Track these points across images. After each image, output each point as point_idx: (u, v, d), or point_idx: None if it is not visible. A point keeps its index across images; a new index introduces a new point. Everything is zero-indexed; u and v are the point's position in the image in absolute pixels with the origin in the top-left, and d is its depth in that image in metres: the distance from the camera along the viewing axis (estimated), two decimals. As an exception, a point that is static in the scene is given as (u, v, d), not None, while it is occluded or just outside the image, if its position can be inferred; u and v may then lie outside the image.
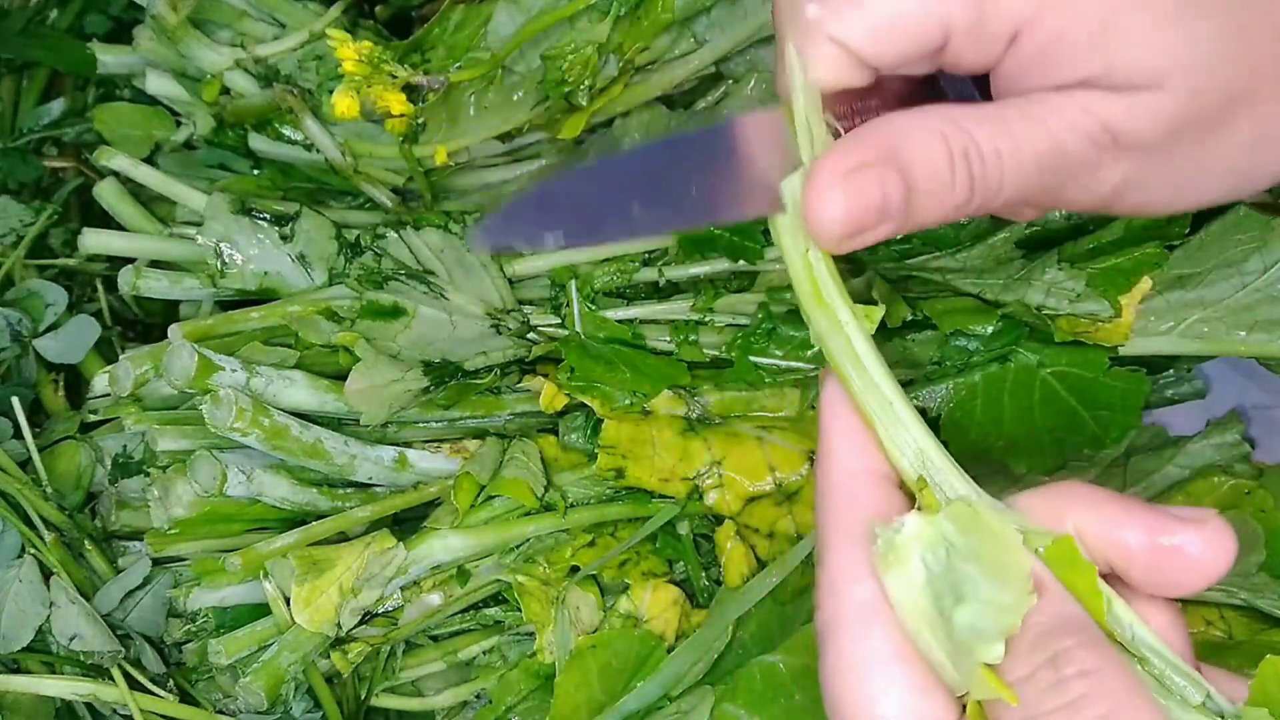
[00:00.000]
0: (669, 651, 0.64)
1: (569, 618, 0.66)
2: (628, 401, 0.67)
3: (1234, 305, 0.65)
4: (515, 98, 0.72)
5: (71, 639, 0.63)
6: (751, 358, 0.68)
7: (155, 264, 0.70)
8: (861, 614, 0.32)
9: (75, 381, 0.77)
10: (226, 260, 0.66)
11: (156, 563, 0.67)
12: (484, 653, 0.70)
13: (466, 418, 0.69)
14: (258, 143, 0.75)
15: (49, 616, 0.64)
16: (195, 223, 0.69)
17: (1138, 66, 0.33)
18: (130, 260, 0.70)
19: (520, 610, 0.66)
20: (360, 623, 0.64)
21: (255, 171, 0.76)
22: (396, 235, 0.69)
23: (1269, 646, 0.64)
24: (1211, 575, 0.31)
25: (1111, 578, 0.32)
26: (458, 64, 0.72)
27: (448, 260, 0.70)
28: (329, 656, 0.65)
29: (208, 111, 0.75)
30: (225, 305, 0.70)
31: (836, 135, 0.35)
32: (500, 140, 0.74)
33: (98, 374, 0.72)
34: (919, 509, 0.33)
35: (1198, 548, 0.31)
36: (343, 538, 0.65)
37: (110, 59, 0.78)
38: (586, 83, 0.69)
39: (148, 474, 0.68)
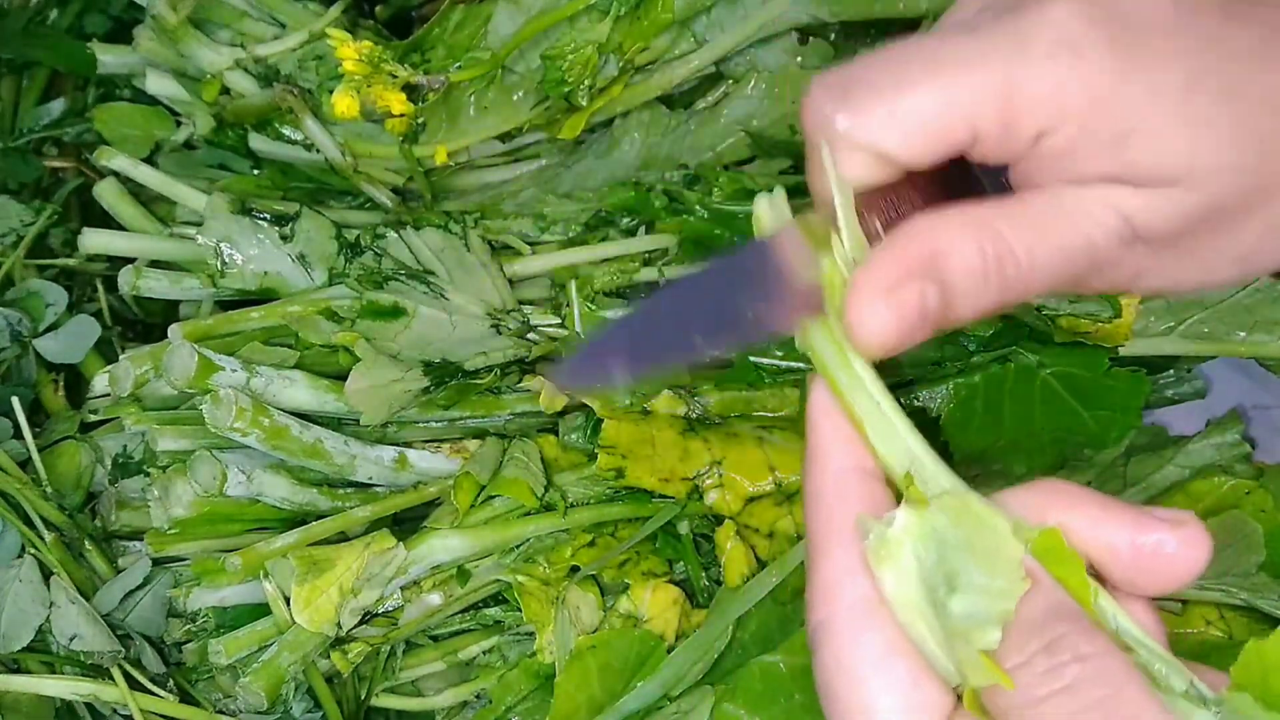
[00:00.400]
0: (669, 651, 0.64)
1: (569, 618, 0.66)
2: (628, 401, 0.67)
3: (1234, 305, 0.65)
4: (515, 98, 0.72)
5: (71, 639, 0.63)
6: (751, 358, 0.68)
7: (155, 264, 0.70)
8: (856, 611, 0.32)
9: (75, 381, 0.77)
10: (226, 260, 0.66)
11: (156, 563, 0.67)
12: (484, 653, 0.70)
13: (466, 418, 0.69)
14: (258, 143, 0.75)
15: (49, 616, 0.64)
16: (195, 223, 0.69)
17: (1157, 165, 0.34)
18: (130, 260, 0.70)
19: (520, 610, 0.65)
20: (360, 623, 0.64)
21: (255, 171, 0.76)
22: (396, 235, 0.69)
23: (1269, 646, 0.64)
24: (1187, 575, 0.32)
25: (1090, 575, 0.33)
26: (458, 64, 0.72)
27: (448, 260, 0.70)
28: (329, 656, 0.65)
29: (208, 111, 0.75)
30: (225, 305, 0.70)
31: (871, 234, 0.35)
32: (500, 140, 0.74)
33: (98, 374, 0.72)
34: (908, 504, 0.33)
35: (1174, 547, 0.32)
36: (343, 538, 0.65)
37: (110, 59, 0.78)
38: (586, 83, 0.69)
39: (148, 474, 0.68)
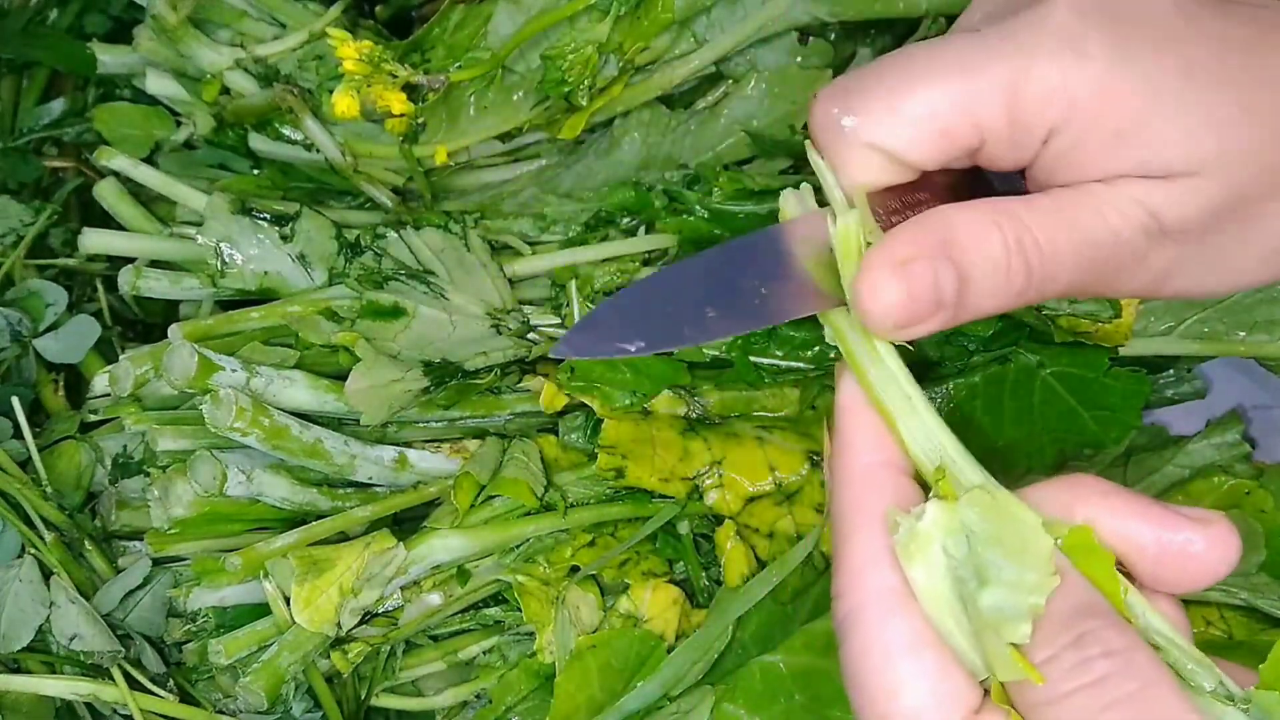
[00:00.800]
0: (669, 651, 0.64)
1: (569, 618, 0.66)
2: (628, 401, 0.67)
3: (1234, 305, 0.65)
4: (515, 97, 0.72)
5: (71, 639, 0.63)
6: (751, 358, 0.68)
7: (155, 264, 0.70)
8: (885, 601, 0.33)
9: (75, 381, 0.77)
10: (226, 260, 0.66)
11: (156, 563, 0.67)
12: (484, 653, 0.70)
13: (466, 418, 0.69)
14: (258, 143, 0.75)
15: (49, 616, 0.64)
16: (195, 223, 0.69)
17: (1174, 155, 0.34)
18: (130, 260, 0.70)
19: (520, 610, 0.65)
20: (360, 623, 0.64)
21: (255, 171, 0.76)
22: (396, 235, 0.69)
23: (1269, 646, 0.64)
24: (1214, 575, 0.32)
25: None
26: (458, 64, 0.72)
27: (448, 260, 0.70)
28: (329, 656, 0.65)
29: (208, 111, 0.75)
30: (225, 305, 0.70)
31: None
32: (500, 140, 0.74)
33: (98, 374, 0.72)
34: (937, 498, 0.33)
35: (1202, 547, 0.32)
36: (343, 538, 0.65)
37: (110, 59, 0.78)
38: (586, 83, 0.69)
39: (148, 474, 0.68)
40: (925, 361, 0.68)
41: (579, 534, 0.68)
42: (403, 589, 0.65)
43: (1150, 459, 0.71)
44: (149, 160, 0.75)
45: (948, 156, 0.35)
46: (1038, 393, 0.66)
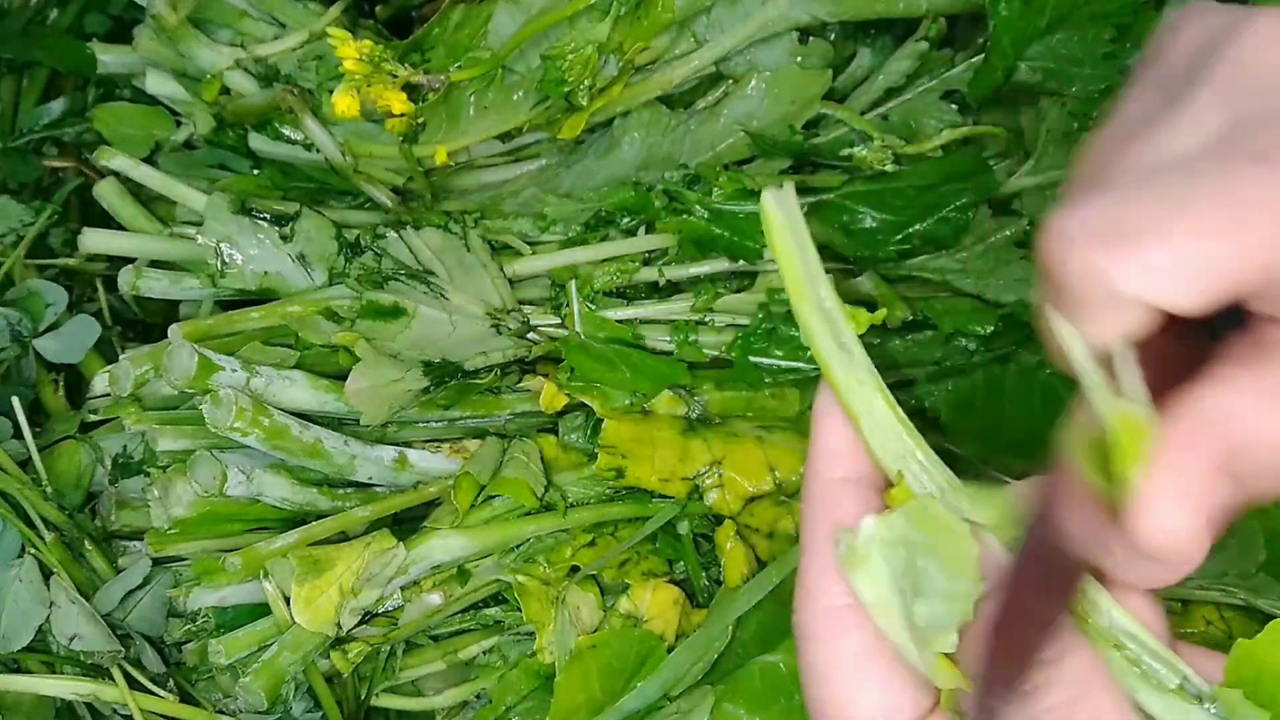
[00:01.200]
0: (669, 651, 0.64)
1: (569, 618, 0.66)
2: (628, 401, 0.67)
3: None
4: (515, 97, 0.72)
5: (71, 639, 0.63)
6: (751, 358, 0.68)
7: (155, 264, 0.70)
8: (834, 617, 0.33)
9: (75, 381, 0.77)
10: (226, 260, 0.66)
11: (156, 563, 0.67)
12: (484, 653, 0.70)
13: (466, 418, 0.69)
14: (258, 143, 0.75)
15: (49, 616, 0.64)
16: (195, 223, 0.69)
17: None
18: (130, 260, 0.70)
19: (520, 610, 0.66)
20: (360, 623, 0.64)
21: (255, 171, 0.76)
22: (396, 235, 0.69)
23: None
24: (1179, 571, 0.30)
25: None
26: (458, 64, 0.72)
27: (448, 260, 0.70)
28: (329, 656, 0.65)
29: (208, 111, 0.75)
30: (225, 305, 0.70)
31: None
32: (500, 140, 0.74)
33: (98, 374, 0.72)
34: (875, 512, 0.33)
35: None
36: (343, 538, 0.65)
37: (110, 59, 0.78)
38: (586, 82, 0.69)
39: (148, 474, 0.68)
40: (925, 362, 0.68)
41: (579, 534, 0.68)
42: (403, 589, 0.65)
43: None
44: (149, 160, 0.75)
45: (1217, 305, 0.27)
46: (1038, 393, 0.66)
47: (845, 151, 0.70)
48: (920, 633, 0.31)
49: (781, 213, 0.35)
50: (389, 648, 0.68)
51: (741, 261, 0.69)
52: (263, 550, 0.62)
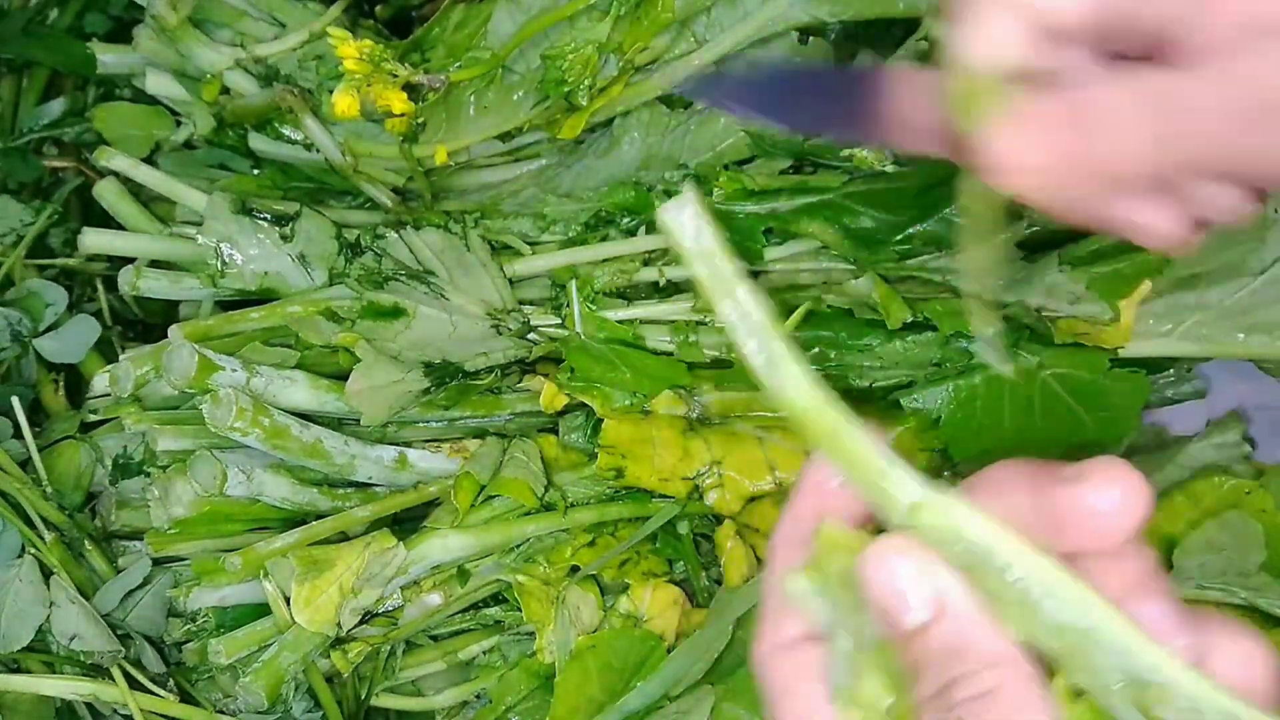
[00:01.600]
0: (669, 651, 0.64)
1: (569, 618, 0.66)
2: (628, 401, 0.67)
3: (1233, 307, 0.65)
4: (515, 97, 0.72)
5: (71, 639, 0.63)
6: (751, 358, 0.68)
7: (155, 264, 0.70)
8: (785, 652, 0.34)
9: (75, 381, 0.77)
10: (226, 260, 0.66)
11: (156, 562, 0.67)
12: (484, 653, 0.70)
13: (466, 418, 0.69)
14: (258, 142, 0.75)
15: (49, 616, 0.64)
16: (195, 223, 0.69)
17: None
18: (130, 260, 0.70)
19: (520, 610, 0.66)
20: (360, 622, 0.64)
21: (255, 171, 0.76)
22: (396, 235, 0.69)
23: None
24: (1119, 527, 0.30)
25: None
26: (458, 63, 0.72)
27: (448, 260, 0.70)
28: (329, 656, 0.65)
29: (208, 111, 0.75)
30: (225, 305, 0.70)
31: None
32: (500, 140, 0.74)
33: (98, 374, 0.72)
34: (808, 563, 0.34)
35: (1091, 500, 0.31)
36: (343, 537, 0.65)
37: (110, 59, 0.78)
38: (586, 82, 0.69)
39: (148, 474, 0.68)
40: (925, 362, 0.68)
41: (579, 534, 0.68)
42: (403, 589, 0.65)
43: (1150, 459, 0.71)
44: (149, 160, 0.75)
45: (1100, 18, 0.34)
46: (1038, 394, 0.66)
47: (845, 151, 0.70)
48: (842, 677, 0.32)
49: (681, 225, 0.34)
50: (389, 648, 0.68)
51: (741, 261, 0.69)
52: (263, 550, 0.62)
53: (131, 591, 0.66)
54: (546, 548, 0.68)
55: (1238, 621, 0.31)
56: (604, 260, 0.71)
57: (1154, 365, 0.71)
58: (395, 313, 0.66)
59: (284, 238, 0.67)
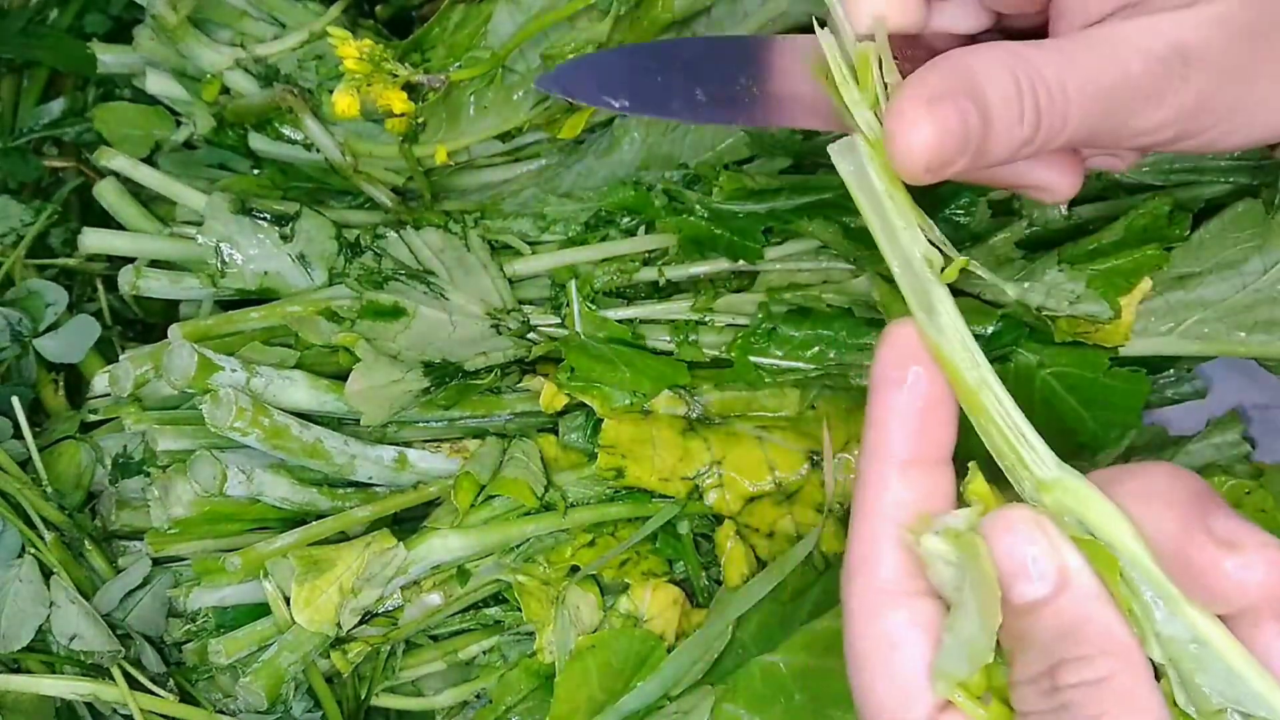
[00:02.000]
0: (669, 651, 0.64)
1: (569, 617, 0.66)
2: (628, 401, 0.67)
3: (1234, 306, 0.65)
4: (515, 97, 0.72)
5: (71, 639, 0.63)
6: (751, 358, 0.68)
7: (155, 264, 0.70)
8: (875, 593, 0.33)
9: (75, 381, 0.77)
10: (226, 260, 0.66)
11: (156, 562, 0.67)
12: (484, 653, 0.70)
13: (466, 417, 0.69)
14: (258, 142, 0.75)
15: (49, 616, 0.64)
16: (195, 223, 0.69)
17: None
18: (130, 260, 0.70)
19: (520, 610, 0.66)
20: (360, 622, 0.64)
21: (255, 171, 0.76)
22: (396, 235, 0.69)
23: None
24: (1250, 595, 0.29)
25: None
26: (458, 63, 0.72)
27: (448, 260, 0.70)
28: (329, 656, 0.65)
29: (208, 111, 0.75)
30: (225, 305, 0.70)
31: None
32: (500, 140, 0.74)
33: (98, 374, 0.72)
34: (963, 505, 0.33)
35: (1236, 573, 0.29)
36: (343, 537, 0.65)
37: (110, 59, 0.78)
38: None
39: (148, 474, 0.68)
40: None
41: (579, 534, 0.68)
42: (403, 589, 0.65)
43: (1150, 459, 0.71)
44: (149, 160, 0.75)
45: None
46: (1038, 393, 0.66)
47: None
48: (950, 648, 0.31)
49: (849, 165, 0.35)
50: (389, 648, 0.68)
51: (741, 261, 0.69)
52: (263, 550, 0.62)
53: (131, 591, 0.66)
54: (546, 548, 0.68)
55: None
56: (604, 260, 0.71)
57: (1154, 365, 0.71)
58: (395, 312, 0.66)
59: (284, 238, 0.67)
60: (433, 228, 0.70)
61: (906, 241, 0.34)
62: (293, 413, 0.64)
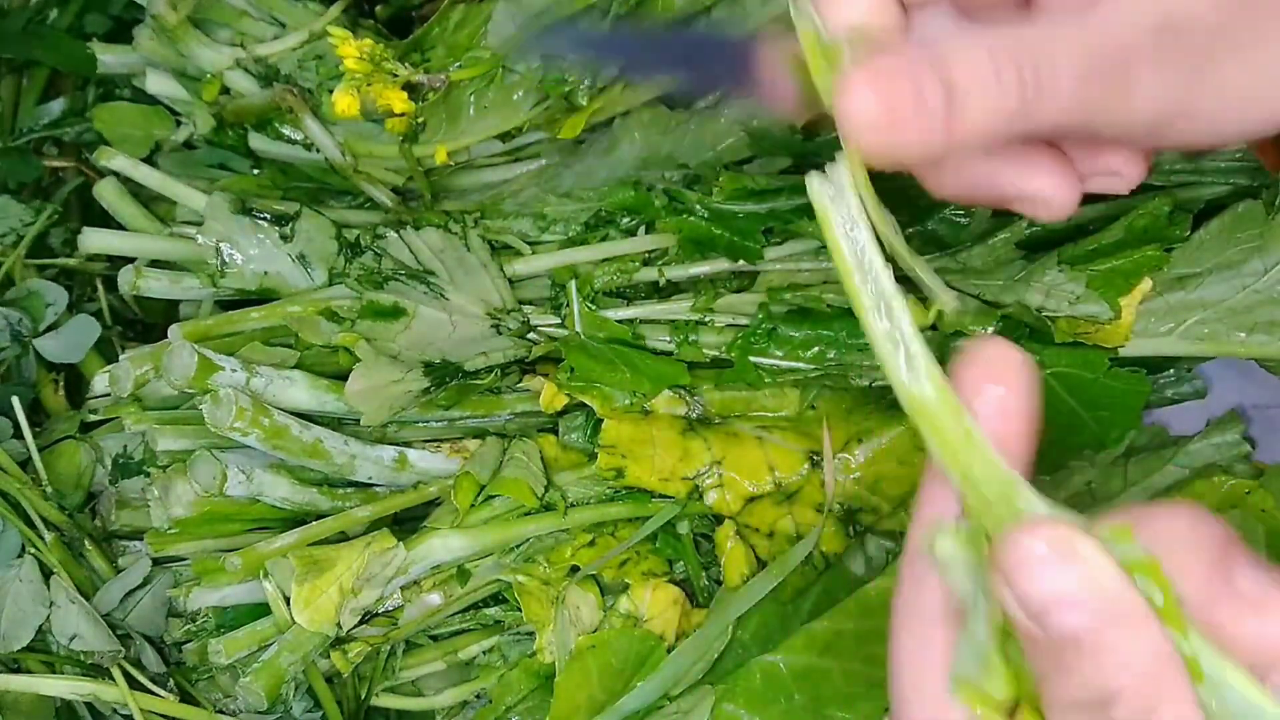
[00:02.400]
0: (669, 651, 0.64)
1: (569, 617, 0.66)
2: (628, 401, 0.67)
3: (1234, 306, 0.65)
4: (515, 97, 0.72)
5: (71, 639, 0.63)
6: (751, 358, 0.68)
7: (155, 264, 0.70)
8: (923, 614, 0.32)
9: (75, 381, 0.77)
10: (226, 260, 0.66)
11: (156, 562, 0.67)
12: (484, 653, 0.70)
13: (466, 417, 0.69)
14: (258, 142, 0.75)
15: (49, 616, 0.64)
16: (195, 223, 0.69)
17: None
18: (130, 260, 0.70)
19: (520, 610, 0.66)
20: (360, 622, 0.64)
21: (255, 171, 0.76)
22: (396, 235, 0.69)
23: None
24: (1269, 654, 0.28)
25: None
26: (458, 63, 0.72)
27: (448, 260, 0.70)
28: (329, 656, 0.65)
29: (208, 111, 0.75)
30: (225, 305, 0.70)
31: None
32: (500, 140, 0.74)
33: (98, 374, 0.72)
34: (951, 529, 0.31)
35: (1266, 634, 0.28)
36: (343, 537, 0.65)
37: (110, 58, 0.78)
38: (586, 82, 0.69)
39: (148, 474, 0.68)
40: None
41: (579, 534, 0.68)
42: (403, 589, 0.65)
43: (1150, 459, 0.71)
44: (149, 160, 0.75)
45: None
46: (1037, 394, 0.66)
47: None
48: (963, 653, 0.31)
49: (826, 199, 0.33)
50: (389, 648, 0.68)
51: (741, 261, 0.69)
52: (263, 550, 0.62)
53: (131, 591, 0.66)
54: (546, 548, 0.68)
55: None
56: (604, 260, 0.71)
57: (1154, 365, 0.71)
58: (395, 312, 0.66)
59: (284, 238, 0.67)
60: (433, 228, 0.70)
61: (886, 285, 0.32)
62: (293, 413, 0.64)
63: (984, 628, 0.30)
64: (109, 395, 0.69)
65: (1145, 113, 0.34)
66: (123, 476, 0.69)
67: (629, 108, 0.73)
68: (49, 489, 0.68)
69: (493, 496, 0.66)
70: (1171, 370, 0.74)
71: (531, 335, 0.70)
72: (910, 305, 0.33)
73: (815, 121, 0.37)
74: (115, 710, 0.65)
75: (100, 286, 0.80)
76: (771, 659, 0.62)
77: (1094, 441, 0.67)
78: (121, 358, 0.66)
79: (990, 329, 0.66)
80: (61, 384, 0.76)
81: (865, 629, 0.62)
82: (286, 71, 0.75)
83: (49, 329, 0.75)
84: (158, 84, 0.76)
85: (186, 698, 0.66)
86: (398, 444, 0.67)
